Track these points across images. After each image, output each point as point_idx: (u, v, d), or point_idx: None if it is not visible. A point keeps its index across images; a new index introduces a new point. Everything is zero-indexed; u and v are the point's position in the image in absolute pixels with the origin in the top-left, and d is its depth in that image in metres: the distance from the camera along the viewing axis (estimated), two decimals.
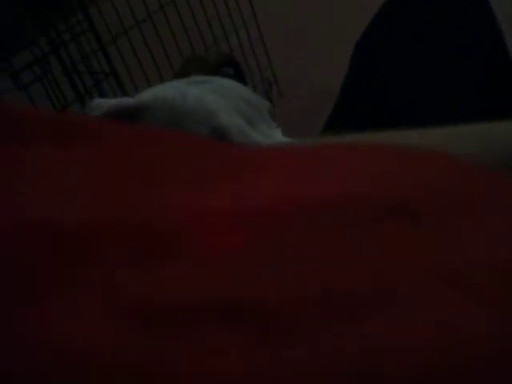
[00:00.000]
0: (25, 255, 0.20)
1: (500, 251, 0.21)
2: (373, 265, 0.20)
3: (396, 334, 0.17)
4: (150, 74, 1.45)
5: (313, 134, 0.83)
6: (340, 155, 0.29)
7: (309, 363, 0.16)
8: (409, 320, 0.17)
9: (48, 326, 0.17)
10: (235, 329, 0.17)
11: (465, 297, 0.18)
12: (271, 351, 0.16)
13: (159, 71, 1.45)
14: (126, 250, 0.20)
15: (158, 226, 0.21)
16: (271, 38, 1.88)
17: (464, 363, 0.16)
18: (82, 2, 1.29)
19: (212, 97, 0.75)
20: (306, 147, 0.32)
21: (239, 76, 0.91)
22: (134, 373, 0.15)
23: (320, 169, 0.27)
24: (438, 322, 0.17)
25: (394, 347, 0.16)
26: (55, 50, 1.31)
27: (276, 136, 0.72)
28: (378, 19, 0.81)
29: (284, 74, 1.97)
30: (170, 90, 0.76)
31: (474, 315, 0.17)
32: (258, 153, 0.30)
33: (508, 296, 0.18)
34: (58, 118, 0.32)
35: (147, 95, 0.75)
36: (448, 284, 0.19)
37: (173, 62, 1.43)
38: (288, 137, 0.74)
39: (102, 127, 0.32)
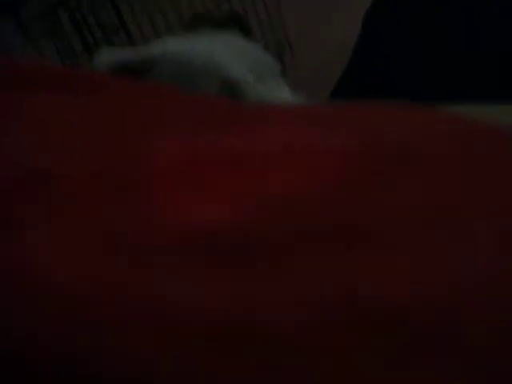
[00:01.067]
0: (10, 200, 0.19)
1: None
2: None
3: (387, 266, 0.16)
4: (159, 27, 1.43)
5: (323, 95, 0.82)
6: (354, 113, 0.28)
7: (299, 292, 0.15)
8: (398, 253, 0.17)
9: (38, 261, 0.16)
10: (228, 261, 0.17)
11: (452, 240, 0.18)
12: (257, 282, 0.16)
13: (169, 25, 1.43)
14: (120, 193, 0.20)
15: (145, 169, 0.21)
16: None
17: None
18: None
19: (221, 51, 0.74)
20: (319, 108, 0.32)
21: (247, 35, 0.90)
22: (121, 300, 0.15)
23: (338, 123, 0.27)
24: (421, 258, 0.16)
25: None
26: (65, 1, 1.30)
27: (285, 94, 0.71)
28: None
29: (297, 36, 1.95)
30: (179, 44, 0.75)
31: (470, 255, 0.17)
32: (268, 110, 0.29)
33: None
34: (65, 70, 0.32)
35: (156, 49, 0.74)
36: (449, 234, 0.18)
37: (183, 17, 1.41)
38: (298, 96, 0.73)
39: (107, 79, 0.32)
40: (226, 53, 0.74)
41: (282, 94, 0.69)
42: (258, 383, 0.13)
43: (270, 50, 1.79)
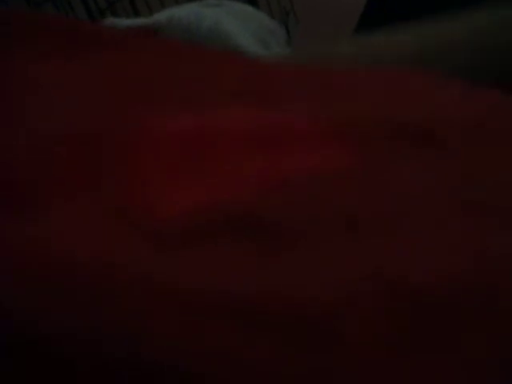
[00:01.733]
0: (20, 175, 0.19)
1: None
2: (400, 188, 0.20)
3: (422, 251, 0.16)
4: None
5: None
6: (365, 82, 0.28)
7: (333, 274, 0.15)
8: (435, 240, 0.17)
9: (53, 241, 0.16)
10: (247, 244, 0.17)
11: (491, 226, 0.17)
12: (283, 266, 0.16)
13: None
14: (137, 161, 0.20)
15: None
16: None
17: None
18: None
19: (227, 19, 0.74)
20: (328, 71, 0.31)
21: (253, 4, 0.89)
22: (146, 285, 0.15)
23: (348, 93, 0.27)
24: (465, 245, 0.16)
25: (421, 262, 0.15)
26: None
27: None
28: None
29: (302, 3, 1.93)
30: (185, 12, 0.75)
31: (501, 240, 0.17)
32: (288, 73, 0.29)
33: None
34: (72, 25, 0.31)
35: (162, 16, 0.74)
36: (475, 212, 0.18)
37: None
38: None
39: (115, 37, 0.31)
40: (232, 20, 0.74)
41: None
42: (284, 364, 0.13)
43: (275, 18, 1.77)
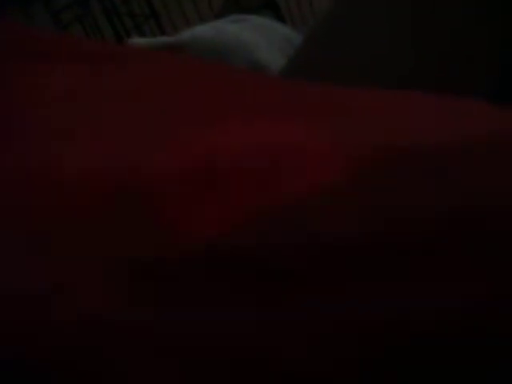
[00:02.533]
0: (28, 205, 0.19)
1: None
2: None
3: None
4: (190, 17, 1.43)
5: None
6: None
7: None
8: None
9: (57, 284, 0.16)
10: (244, 284, 0.16)
11: None
12: (283, 307, 0.15)
13: (200, 15, 1.43)
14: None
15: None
16: None
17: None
18: None
19: (250, 34, 0.74)
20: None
21: (279, 18, 0.89)
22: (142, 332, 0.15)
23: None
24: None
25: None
26: None
27: None
28: None
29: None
30: (208, 29, 0.75)
31: None
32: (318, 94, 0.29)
33: None
34: (86, 43, 0.31)
35: (186, 34, 0.74)
36: None
37: (213, 5, 1.41)
38: None
39: (129, 52, 0.31)
40: (254, 35, 0.74)
41: None
42: None
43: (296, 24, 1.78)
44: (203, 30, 0.73)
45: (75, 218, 0.19)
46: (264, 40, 0.73)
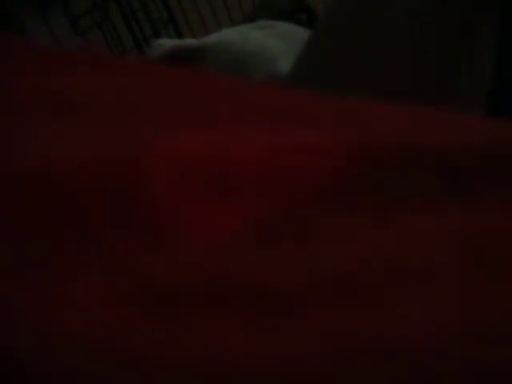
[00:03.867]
0: (23, 217, 0.19)
1: None
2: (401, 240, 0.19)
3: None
4: (209, 23, 1.43)
5: None
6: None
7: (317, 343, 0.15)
8: (433, 302, 0.16)
9: (46, 311, 0.16)
10: (235, 312, 0.16)
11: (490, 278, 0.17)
12: (272, 333, 0.15)
13: (218, 21, 1.43)
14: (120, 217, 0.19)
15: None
16: None
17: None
18: None
19: (274, 42, 0.74)
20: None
21: (312, 22, 0.88)
22: (133, 358, 0.14)
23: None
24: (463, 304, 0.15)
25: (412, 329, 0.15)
26: None
27: None
28: None
29: None
30: (233, 34, 0.75)
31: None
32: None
33: None
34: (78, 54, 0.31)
35: (211, 38, 0.74)
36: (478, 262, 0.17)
37: (232, 12, 1.41)
38: None
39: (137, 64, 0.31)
40: (279, 44, 0.73)
41: None
42: None
43: None
44: (228, 35, 0.73)
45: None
46: (289, 48, 0.73)
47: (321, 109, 0.27)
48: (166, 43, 0.71)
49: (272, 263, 0.18)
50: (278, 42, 0.74)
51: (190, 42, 0.72)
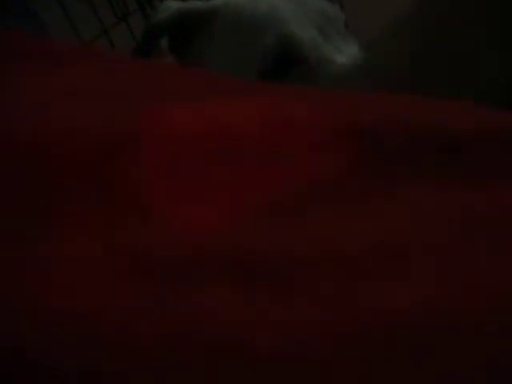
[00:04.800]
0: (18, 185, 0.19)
1: None
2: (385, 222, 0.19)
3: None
4: None
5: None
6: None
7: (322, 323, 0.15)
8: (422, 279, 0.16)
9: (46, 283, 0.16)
10: (242, 283, 0.16)
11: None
12: (282, 307, 0.15)
13: None
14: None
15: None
16: None
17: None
18: None
19: (284, 4, 0.72)
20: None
21: None
22: (132, 324, 0.14)
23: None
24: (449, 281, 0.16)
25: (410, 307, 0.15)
26: None
27: (351, 51, 0.69)
28: None
29: None
30: None
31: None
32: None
33: None
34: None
35: (219, 0, 0.73)
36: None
37: None
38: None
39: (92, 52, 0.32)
40: (290, 7, 0.72)
41: (346, 52, 0.67)
42: None
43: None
44: None
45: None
46: (298, 9, 0.72)
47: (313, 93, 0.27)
48: (173, 5, 0.70)
49: (273, 237, 0.18)
50: (288, 5, 0.73)
51: (197, 3, 0.71)
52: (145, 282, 0.16)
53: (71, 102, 0.24)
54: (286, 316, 0.15)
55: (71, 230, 0.18)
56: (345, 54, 0.68)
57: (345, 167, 0.21)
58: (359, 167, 0.21)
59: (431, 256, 0.17)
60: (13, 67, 0.28)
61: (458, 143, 0.22)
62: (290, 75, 0.65)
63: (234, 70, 0.67)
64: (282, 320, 0.15)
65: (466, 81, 0.53)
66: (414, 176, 0.21)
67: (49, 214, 0.18)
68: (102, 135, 0.21)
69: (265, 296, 0.16)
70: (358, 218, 0.19)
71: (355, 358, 0.13)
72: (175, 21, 0.69)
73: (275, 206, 0.20)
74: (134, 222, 0.19)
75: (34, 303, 0.15)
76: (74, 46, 0.32)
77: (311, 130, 0.22)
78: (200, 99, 0.24)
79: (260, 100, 0.24)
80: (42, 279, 0.16)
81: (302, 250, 0.18)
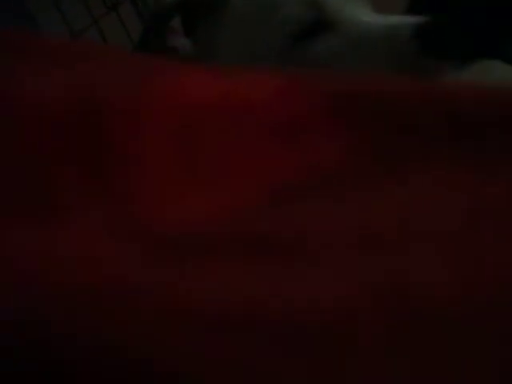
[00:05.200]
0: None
1: None
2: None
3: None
4: None
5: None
6: None
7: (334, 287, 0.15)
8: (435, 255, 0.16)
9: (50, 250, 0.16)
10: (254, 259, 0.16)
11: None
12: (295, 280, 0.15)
13: None
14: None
15: None
16: None
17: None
18: None
19: None
20: None
21: None
22: (135, 296, 0.15)
23: None
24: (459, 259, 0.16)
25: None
26: None
27: (366, 14, 0.68)
28: None
29: None
30: None
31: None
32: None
33: None
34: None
35: None
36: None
37: None
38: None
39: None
40: None
41: (362, 16, 0.67)
42: (285, 373, 0.13)
43: None
44: None
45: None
46: None
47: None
48: None
49: (285, 219, 0.19)
50: None
51: None
52: (159, 258, 0.16)
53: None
54: (299, 290, 0.15)
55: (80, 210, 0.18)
56: (361, 16, 0.67)
57: (355, 150, 0.21)
58: (371, 150, 0.21)
59: (431, 244, 0.17)
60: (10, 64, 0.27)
61: (471, 126, 0.22)
62: (317, 42, 0.64)
63: (253, 46, 0.66)
64: (295, 294, 0.15)
65: None
66: (426, 160, 0.21)
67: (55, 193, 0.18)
68: (115, 98, 0.21)
69: (278, 269, 0.16)
70: (373, 201, 0.19)
71: (381, 327, 0.13)
72: (184, 3, 0.68)
73: (285, 189, 0.20)
74: (146, 202, 0.19)
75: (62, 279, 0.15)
76: (69, 43, 0.32)
77: (323, 105, 0.22)
78: (205, 73, 0.24)
79: (268, 80, 0.24)
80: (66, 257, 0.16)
81: (318, 227, 0.18)
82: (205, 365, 0.12)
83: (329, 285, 0.15)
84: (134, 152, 0.20)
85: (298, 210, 0.19)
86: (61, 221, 0.17)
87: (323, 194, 0.20)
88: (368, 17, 0.66)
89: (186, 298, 0.14)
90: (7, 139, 0.19)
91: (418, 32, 0.60)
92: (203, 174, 0.20)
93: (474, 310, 0.14)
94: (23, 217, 0.17)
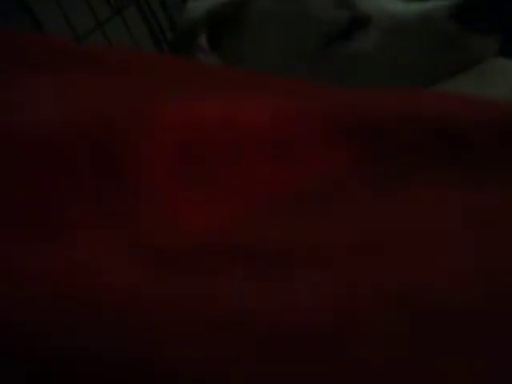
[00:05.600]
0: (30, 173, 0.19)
1: None
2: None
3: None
4: None
5: None
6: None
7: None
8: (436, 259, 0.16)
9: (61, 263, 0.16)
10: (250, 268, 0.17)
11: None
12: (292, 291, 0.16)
13: None
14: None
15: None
16: None
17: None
18: None
19: None
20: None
21: None
22: (144, 310, 0.15)
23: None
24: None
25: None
26: None
27: (396, 3, 0.67)
28: None
29: None
30: None
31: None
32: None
33: None
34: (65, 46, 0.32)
35: None
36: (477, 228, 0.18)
37: None
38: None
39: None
40: None
41: (398, 5, 0.66)
42: (285, 375, 0.13)
43: None
44: None
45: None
46: None
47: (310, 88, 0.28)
48: (200, 5, 0.68)
49: (289, 229, 0.19)
50: None
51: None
52: (161, 270, 0.16)
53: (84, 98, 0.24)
54: (295, 301, 0.15)
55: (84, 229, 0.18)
56: (398, 4, 0.66)
57: (355, 165, 0.22)
58: (370, 165, 0.22)
59: (431, 244, 0.17)
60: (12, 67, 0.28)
61: (472, 139, 0.22)
62: (354, 39, 0.63)
63: (282, 52, 0.65)
64: (295, 302, 0.15)
65: None
66: (426, 174, 0.21)
67: (62, 208, 0.18)
68: (118, 125, 0.21)
69: (274, 280, 0.16)
70: (372, 215, 0.19)
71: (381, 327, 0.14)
72: (207, 20, 0.67)
73: (285, 204, 0.20)
74: (148, 217, 0.19)
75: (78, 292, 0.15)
76: (73, 45, 0.32)
77: (322, 126, 0.23)
78: (213, 94, 0.24)
79: (273, 98, 0.24)
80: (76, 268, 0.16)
81: (314, 239, 0.18)
82: (205, 365, 0.13)
83: (329, 285, 0.15)
84: (142, 171, 0.20)
85: (300, 222, 0.19)
86: (67, 235, 0.18)
87: (323, 209, 0.20)
88: (399, 5, 0.65)
89: (194, 306, 0.15)
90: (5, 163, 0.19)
91: (458, 11, 0.59)
92: (204, 189, 0.20)
93: (474, 308, 0.14)
94: (28, 230, 0.17)
